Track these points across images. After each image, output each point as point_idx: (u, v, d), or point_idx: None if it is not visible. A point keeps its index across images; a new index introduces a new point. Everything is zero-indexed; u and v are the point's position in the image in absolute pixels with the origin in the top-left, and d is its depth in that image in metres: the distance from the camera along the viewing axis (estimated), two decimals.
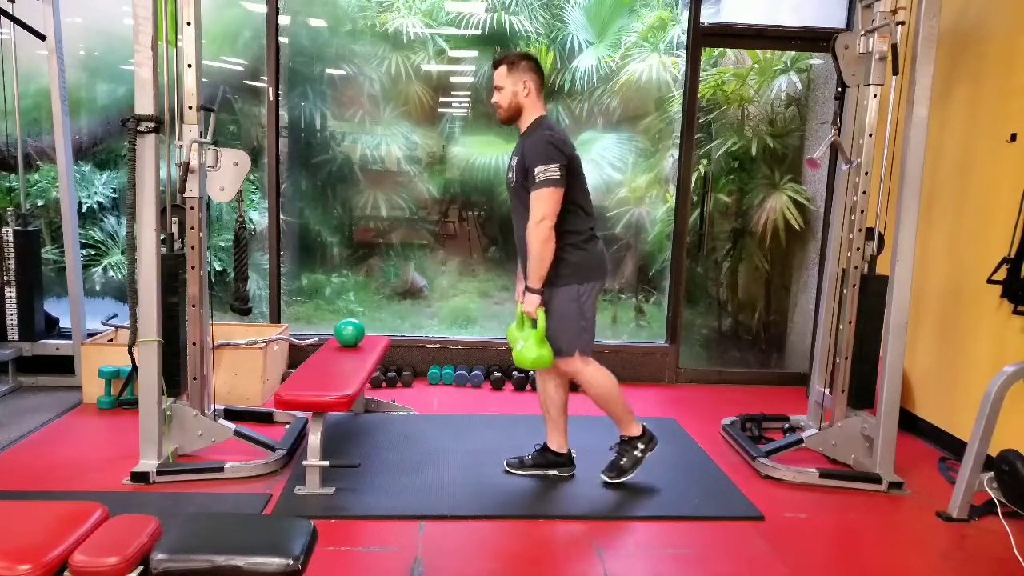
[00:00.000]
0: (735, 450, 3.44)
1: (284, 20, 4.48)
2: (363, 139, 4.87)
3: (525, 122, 2.83)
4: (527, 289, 2.79)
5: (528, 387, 4.33)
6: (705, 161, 4.92)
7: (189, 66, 2.88)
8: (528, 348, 2.78)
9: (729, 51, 5.05)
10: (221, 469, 2.94)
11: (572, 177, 2.76)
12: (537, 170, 2.67)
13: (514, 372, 4.41)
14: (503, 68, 2.80)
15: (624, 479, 2.98)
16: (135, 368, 2.92)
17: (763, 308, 5.21)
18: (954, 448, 3.42)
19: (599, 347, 4.48)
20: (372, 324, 4.80)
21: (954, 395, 3.52)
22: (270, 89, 4.33)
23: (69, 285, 4.10)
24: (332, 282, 4.99)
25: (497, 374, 4.40)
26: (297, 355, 4.34)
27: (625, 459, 2.99)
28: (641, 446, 2.99)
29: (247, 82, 4.61)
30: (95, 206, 4.64)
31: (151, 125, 2.75)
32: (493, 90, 2.85)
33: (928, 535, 2.70)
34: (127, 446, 3.11)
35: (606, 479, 3.00)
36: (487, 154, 4.87)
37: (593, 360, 2.93)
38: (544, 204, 2.68)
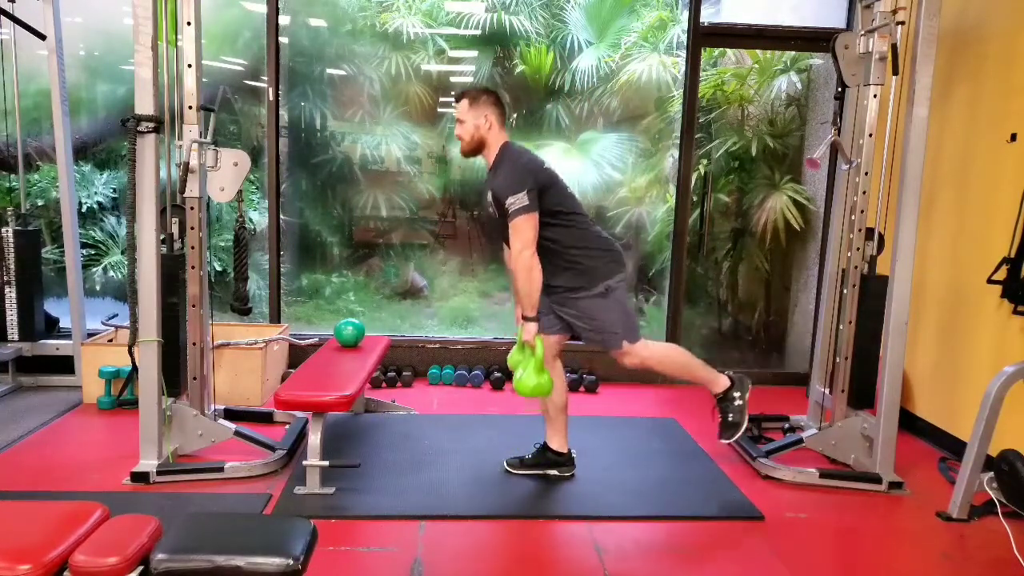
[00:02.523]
0: (735, 450, 3.43)
1: (284, 20, 4.48)
2: (363, 139, 4.87)
3: (490, 154, 2.86)
4: (524, 318, 2.82)
5: None
6: (705, 161, 4.91)
7: (189, 66, 2.88)
8: (527, 376, 2.80)
9: (729, 51, 5.05)
10: (221, 469, 2.94)
11: (550, 189, 2.78)
12: (509, 202, 2.70)
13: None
14: (465, 102, 2.84)
15: (741, 431, 2.94)
16: (135, 368, 2.92)
17: (763, 308, 5.21)
18: (954, 448, 3.42)
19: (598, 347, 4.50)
20: (372, 324, 4.80)
21: (954, 395, 3.52)
22: (270, 89, 4.33)
23: (69, 285, 4.10)
24: (332, 282, 4.99)
25: (497, 374, 4.40)
26: (297, 355, 4.34)
27: (731, 414, 2.96)
28: (737, 394, 2.96)
29: (247, 82, 4.61)
30: (95, 206, 4.64)
31: (151, 125, 2.75)
32: (456, 122, 2.88)
33: (928, 535, 2.70)
34: (127, 446, 3.11)
35: (726, 441, 2.97)
36: None
37: (648, 341, 2.92)
38: (521, 233, 2.70)
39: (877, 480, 3.04)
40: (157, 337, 2.86)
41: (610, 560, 2.43)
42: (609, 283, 2.83)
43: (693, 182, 4.64)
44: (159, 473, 2.87)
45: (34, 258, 4.04)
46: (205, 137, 2.95)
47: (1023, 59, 3.15)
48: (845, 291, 3.18)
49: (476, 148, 2.86)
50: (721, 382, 2.97)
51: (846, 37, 3.04)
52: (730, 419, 2.96)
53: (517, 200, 2.68)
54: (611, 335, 2.86)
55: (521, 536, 2.60)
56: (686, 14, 4.45)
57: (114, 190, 4.68)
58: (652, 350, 2.92)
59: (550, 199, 2.77)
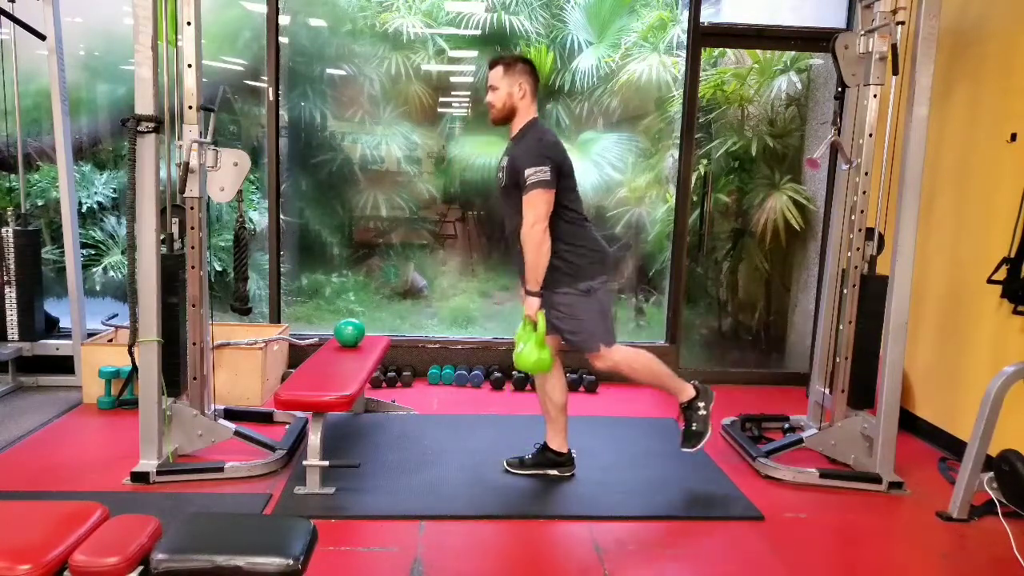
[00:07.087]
0: (735, 450, 3.43)
1: (284, 20, 4.48)
2: (363, 139, 4.87)
3: (517, 124, 2.84)
4: (526, 292, 2.80)
5: (528, 387, 4.33)
6: (705, 161, 4.91)
7: (189, 66, 2.88)
8: (528, 351, 2.78)
9: (729, 51, 5.05)
10: (221, 469, 2.94)
11: (563, 180, 2.76)
12: (528, 172, 2.67)
13: (514, 372, 4.41)
14: (499, 69, 2.82)
15: (704, 441, 2.95)
16: (135, 368, 2.92)
17: (763, 308, 5.21)
18: (954, 448, 3.42)
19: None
20: (372, 324, 4.80)
21: (954, 395, 3.52)
22: (270, 89, 4.33)
23: (69, 285, 4.10)
24: (332, 282, 4.99)
25: (497, 374, 4.40)
26: (297, 355, 4.34)
27: (695, 423, 2.97)
28: (702, 403, 2.98)
29: (247, 82, 4.61)
30: (95, 206, 4.64)
31: (151, 125, 2.75)
32: (487, 89, 2.85)
33: (928, 535, 2.70)
34: (127, 446, 3.11)
35: (689, 450, 2.96)
36: (487, 154, 4.87)
37: (620, 346, 2.92)
38: (535, 207, 2.68)
39: (877, 480, 3.04)
40: (157, 337, 2.86)
41: (610, 560, 2.43)
42: (592, 284, 2.82)
43: (693, 182, 4.63)
44: (159, 473, 2.87)
45: (34, 258, 4.04)
46: (205, 137, 2.95)
47: (1023, 59, 3.15)
48: (845, 291, 3.18)
49: (507, 116, 2.84)
50: (687, 391, 2.99)
51: (846, 37, 3.04)
52: (694, 428, 2.98)
53: (538, 173, 2.65)
54: (588, 336, 2.86)
55: (521, 536, 2.60)
56: (686, 14, 4.45)
57: (114, 190, 4.68)
58: (624, 355, 2.92)
59: (562, 188, 2.75)
